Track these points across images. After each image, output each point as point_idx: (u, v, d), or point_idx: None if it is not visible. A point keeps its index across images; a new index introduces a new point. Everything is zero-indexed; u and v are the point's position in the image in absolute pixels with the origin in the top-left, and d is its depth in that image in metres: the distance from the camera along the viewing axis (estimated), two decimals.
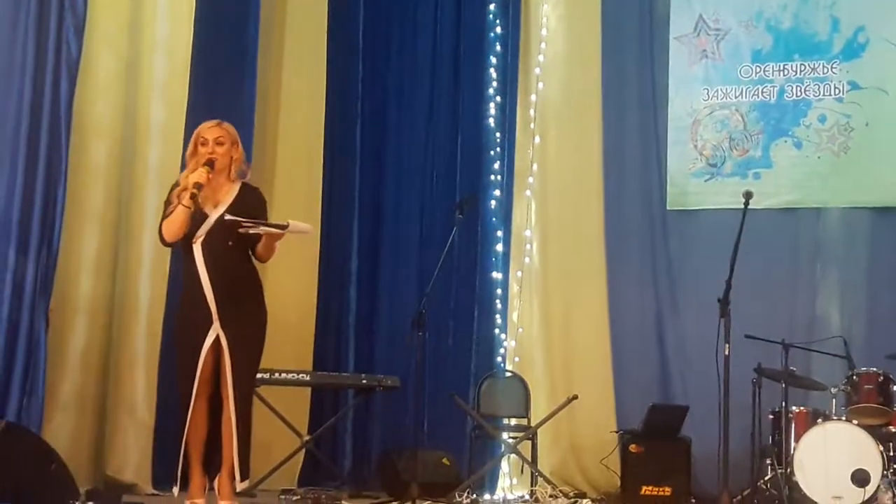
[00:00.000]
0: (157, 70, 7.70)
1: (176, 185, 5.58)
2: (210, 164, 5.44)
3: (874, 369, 7.90)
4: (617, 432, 8.65)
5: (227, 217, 5.43)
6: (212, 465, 5.45)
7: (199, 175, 5.39)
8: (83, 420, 7.22)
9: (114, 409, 7.37)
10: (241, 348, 5.39)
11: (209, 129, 5.58)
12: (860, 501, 7.44)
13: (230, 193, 5.54)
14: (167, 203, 5.59)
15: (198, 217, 5.41)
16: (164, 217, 5.52)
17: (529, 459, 8.21)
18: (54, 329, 6.93)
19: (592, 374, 8.98)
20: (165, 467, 6.75)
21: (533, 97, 9.41)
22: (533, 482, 8.24)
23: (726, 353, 5.80)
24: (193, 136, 5.65)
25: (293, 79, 9.20)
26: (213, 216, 5.45)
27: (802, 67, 9.10)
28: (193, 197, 5.35)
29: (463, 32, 9.65)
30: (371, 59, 9.74)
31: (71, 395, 7.15)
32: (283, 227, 5.43)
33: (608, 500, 8.24)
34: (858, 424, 7.69)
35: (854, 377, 7.93)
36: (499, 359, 9.17)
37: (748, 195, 6.15)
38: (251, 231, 5.40)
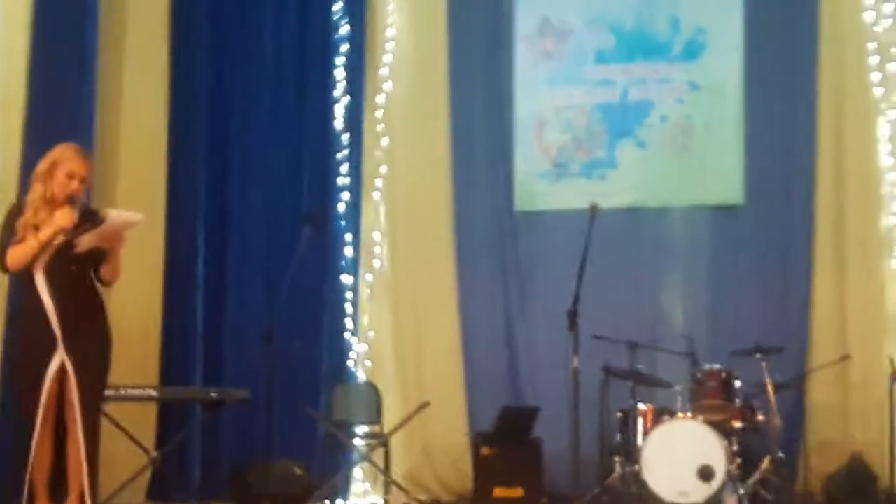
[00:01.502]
0: None
1: (17, 209, 5.49)
2: (73, 202, 5.39)
3: (717, 366, 8.22)
4: (469, 435, 8.83)
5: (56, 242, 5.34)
6: (58, 493, 5.45)
7: (66, 218, 5.32)
8: None
9: None
10: (87, 373, 5.37)
11: (80, 163, 5.48)
12: (705, 496, 7.74)
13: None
14: (9, 228, 5.46)
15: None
16: (11, 244, 5.40)
17: (382, 466, 8.32)
18: None
19: (444, 376, 9.12)
20: (6, 489, 6.73)
21: (381, 98, 9.47)
22: (387, 490, 8.37)
23: (575, 364, 5.98)
24: (55, 157, 5.49)
25: (134, 82, 9.09)
26: (54, 244, 5.40)
27: (644, 68, 9.37)
28: (59, 242, 5.32)
29: (309, 32, 9.62)
30: (214, 61, 9.63)
31: None
32: (102, 221, 5.31)
33: (461, 503, 8.42)
34: (703, 420, 7.99)
35: (698, 375, 8.24)
36: (350, 363, 9.21)
37: (594, 208, 6.32)
38: (82, 246, 5.33)
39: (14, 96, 7.60)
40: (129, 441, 7.95)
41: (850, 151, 8.99)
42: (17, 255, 5.40)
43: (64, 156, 5.50)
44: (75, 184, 5.44)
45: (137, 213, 5.63)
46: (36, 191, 5.48)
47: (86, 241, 5.33)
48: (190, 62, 9.51)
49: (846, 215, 8.95)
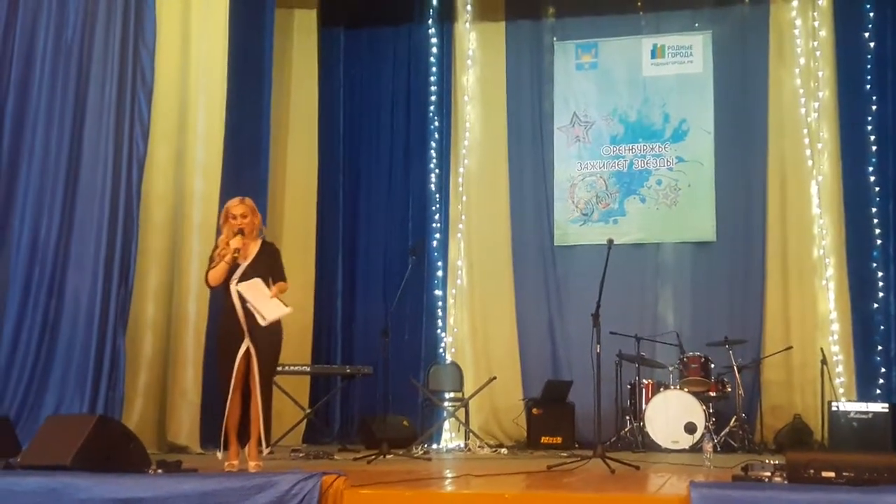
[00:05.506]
0: (198, 155, 7.56)
1: (215, 246, 5.46)
2: (241, 232, 5.34)
3: (698, 353, 8.06)
4: (523, 400, 8.66)
5: (243, 285, 5.25)
6: (244, 436, 5.34)
7: (237, 242, 5.29)
8: (151, 402, 7.10)
9: (172, 394, 7.24)
10: (264, 357, 5.28)
11: (235, 207, 5.41)
12: (690, 444, 7.58)
13: (255, 249, 5.42)
14: (210, 259, 5.45)
15: (232, 266, 5.32)
16: (209, 269, 5.39)
17: (463, 421, 8.20)
18: (130, 340, 6.83)
19: (505, 359, 8.98)
20: (208, 434, 6.72)
21: (461, 169, 9.43)
22: (466, 437, 8.23)
23: (598, 351, 5.83)
24: (224, 210, 5.47)
25: (294, 160, 9.16)
26: (243, 265, 5.35)
27: (644, 147, 9.21)
28: (235, 258, 5.28)
29: (412, 125, 9.62)
30: (349, 147, 9.68)
31: (142, 385, 7.04)
32: (264, 318, 5.17)
33: (518, 446, 8.25)
34: (688, 391, 7.83)
35: (684, 359, 8.07)
36: (441, 350, 9.15)
37: (610, 242, 6.13)
38: (248, 304, 5.19)
39: (213, 170, 7.57)
40: (291, 402, 7.94)
41: (791, 204, 8.81)
42: (212, 276, 5.36)
43: (229, 205, 5.46)
44: (238, 220, 5.38)
45: (289, 309, 5.40)
46: (221, 233, 5.45)
47: (253, 308, 5.20)
48: (332, 147, 9.59)
49: (788, 248, 8.76)
